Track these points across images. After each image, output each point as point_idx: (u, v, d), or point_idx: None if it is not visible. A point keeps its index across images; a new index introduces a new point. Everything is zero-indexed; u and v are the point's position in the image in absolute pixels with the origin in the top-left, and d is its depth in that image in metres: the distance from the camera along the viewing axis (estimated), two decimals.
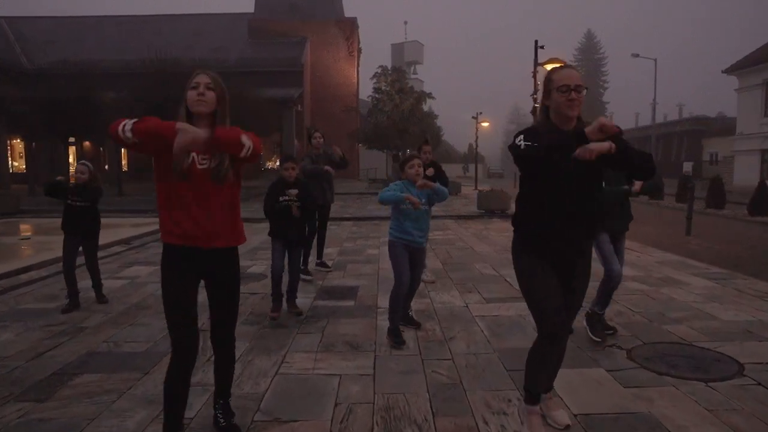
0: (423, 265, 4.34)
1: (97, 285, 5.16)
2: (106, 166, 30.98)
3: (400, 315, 4.09)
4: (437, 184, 3.98)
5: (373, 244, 8.93)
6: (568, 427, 2.64)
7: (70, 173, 26.21)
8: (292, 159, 4.71)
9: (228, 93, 2.40)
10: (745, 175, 27.40)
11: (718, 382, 3.19)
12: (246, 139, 2.23)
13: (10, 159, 29.24)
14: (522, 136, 2.23)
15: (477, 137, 30.21)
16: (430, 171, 5.10)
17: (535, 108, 12.45)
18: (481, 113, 29.66)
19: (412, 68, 54.76)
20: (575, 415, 2.77)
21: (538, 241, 2.45)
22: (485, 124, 30.65)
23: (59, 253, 7.78)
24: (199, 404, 2.92)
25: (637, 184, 3.68)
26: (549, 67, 12.61)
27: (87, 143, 29.13)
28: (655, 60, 38.11)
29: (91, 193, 4.91)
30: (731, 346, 3.80)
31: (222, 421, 2.58)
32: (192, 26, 35.38)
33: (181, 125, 2.13)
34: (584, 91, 2.30)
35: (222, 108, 2.34)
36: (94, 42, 33.47)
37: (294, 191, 4.49)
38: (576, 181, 2.33)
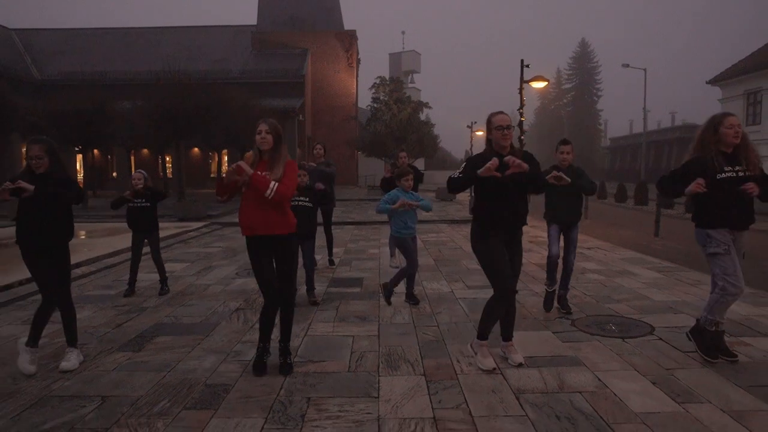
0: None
1: (162, 276, 6.17)
2: (114, 174, 32.11)
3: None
4: (422, 203, 5.25)
5: (373, 245, 10.06)
6: (521, 364, 3.74)
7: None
8: (301, 167, 5.77)
9: (282, 132, 3.58)
10: None
11: (632, 338, 4.33)
12: (270, 191, 3.43)
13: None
14: (463, 166, 3.50)
15: (472, 146, 31.41)
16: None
17: (521, 122, 13.62)
18: (475, 122, 30.83)
19: (410, 77, 55.97)
20: (525, 357, 3.89)
21: (492, 226, 3.61)
22: (479, 133, 31.79)
23: (99, 252, 8.96)
24: (252, 353, 4.04)
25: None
26: (534, 84, 13.84)
27: (96, 151, 30.18)
28: (645, 70, 39.45)
29: (152, 195, 5.97)
30: (652, 317, 4.94)
31: (281, 359, 3.70)
32: (197, 38, 36.57)
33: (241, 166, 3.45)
34: (513, 129, 3.50)
35: (279, 146, 3.55)
36: (101, 53, 34.59)
37: (303, 199, 5.49)
38: (507, 189, 3.49)
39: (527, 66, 13.60)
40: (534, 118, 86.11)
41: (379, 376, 3.61)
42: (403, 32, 62.13)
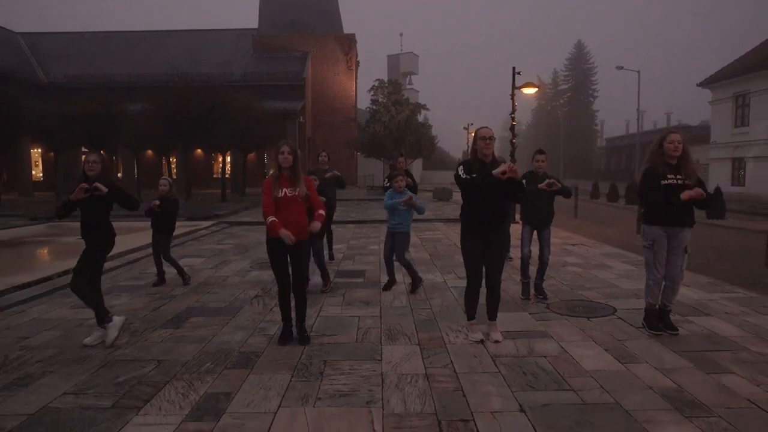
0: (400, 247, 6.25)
1: (178, 270, 6.91)
2: (120, 174, 32.79)
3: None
4: (418, 203, 5.99)
5: (374, 242, 10.83)
6: (497, 341, 4.49)
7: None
8: (313, 172, 6.58)
9: (299, 152, 4.38)
10: (718, 181, 29.38)
11: (596, 318, 5.11)
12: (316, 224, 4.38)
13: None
14: (461, 168, 4.19)
15: (468, 146, 32.18)
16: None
17: (513, 126, 14.39)
18: (472, 124, 31.63)
19: (408, 79, 56.75)
20: (502, 331, 4.65)
21: (472, 225, 4.36)
22: None
23: (119, 249, 9.66)
24: (275, 329, 4.79)
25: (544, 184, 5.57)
26: (525, 90, 14.63)
27: (102, 153, 30.86)
28: (638, 72, 40.32)
29: (170, 204, 6.74)
30: (617, 301, 5.72)
31: (299, 334, 4.48)
32: (199, 41, 37.27)
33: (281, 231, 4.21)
34: (494, 140, 4.25)
35: (296, 164, 4.33)
36: (106, 57, 35.21)
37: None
38: (490, 193, 4.24)
39: (518, 73, 14.37)
40: (531, 118, 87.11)
41: (381, 345, 4.38)
42: (401, 34, 63.03)
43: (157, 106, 22.25)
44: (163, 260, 6.90)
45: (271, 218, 4.23)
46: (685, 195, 4.28)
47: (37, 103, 24.81)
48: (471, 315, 4.61)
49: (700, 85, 32.06)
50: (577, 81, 75.58)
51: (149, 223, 6.90)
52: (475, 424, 3.00)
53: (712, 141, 31.56)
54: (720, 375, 3.68)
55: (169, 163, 26.76)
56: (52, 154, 28.93)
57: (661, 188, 4.39)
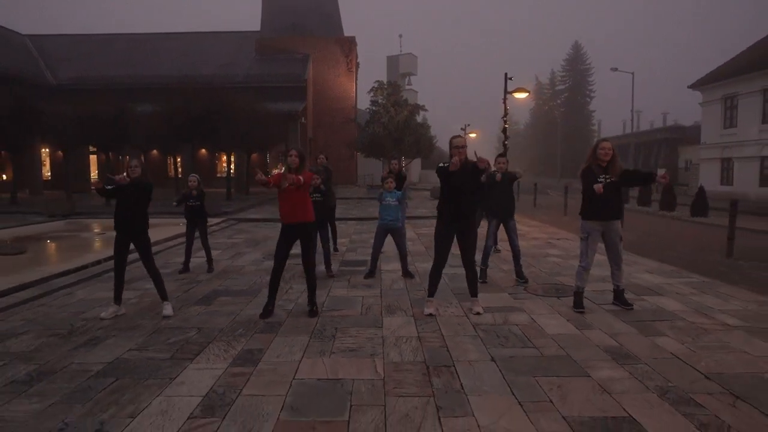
0: (402, 241, 7.21)
1: (209, 257, 7.82)
2: (125, 174, 33.53)
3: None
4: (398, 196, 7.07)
5: (373, 237, 11.68)
6: (479, 313, 5.36)
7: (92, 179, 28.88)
8: (317, 171, 7.45)
9: (305, 155, 5.23)
10: (708, 181, 30.29)
11: (564, 297, 5.98)
12: (289, 183, 5.05)
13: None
14: (441, 164, 5.07)
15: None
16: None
17: (505, 128, 15.26)
18: (469, 125, 32.46)
19: (407, 79, 57.55)
20: (484, 307, 5.51)
21: (445, 214, 5.22)
22: (473, 135, 33.45)
23: None
24: (292, 305, 5.66)
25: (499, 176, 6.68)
26: (516, 95, 15.51)
27: (111, 153, 31.69)
28: (632, 73, 41.19)
29: (200, 197, 7.62)
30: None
31: (308, 307, 5.35)
32: (202, 44, 38.08)
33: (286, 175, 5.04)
34: (465, 148, 5.09)
35: (302, 164, 5.21)
36: (110, 59, 36.00)
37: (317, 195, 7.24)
38: (462, 188, 5.09)
39: (511, 78, 15.23)
40: (530, 118, 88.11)
41: (382, 317, 5.25)
42: (400, 35, 63.75)
43: (161, 108, 23.03)
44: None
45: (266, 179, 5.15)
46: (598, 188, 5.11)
47: (46, 104, 25.59)
48: (431, 292, 5.47)
49: (691, 87, 32.94)
50: (574, 81, 76.51)
51: (158, 219, 7.78)
52: (455, 368, 3.88)
53: (702, 141, 32.48)
54: (655, 337, 4.56)
55: (175, 163, 27.57)
56: (61, 153, 29.77)
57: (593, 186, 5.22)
